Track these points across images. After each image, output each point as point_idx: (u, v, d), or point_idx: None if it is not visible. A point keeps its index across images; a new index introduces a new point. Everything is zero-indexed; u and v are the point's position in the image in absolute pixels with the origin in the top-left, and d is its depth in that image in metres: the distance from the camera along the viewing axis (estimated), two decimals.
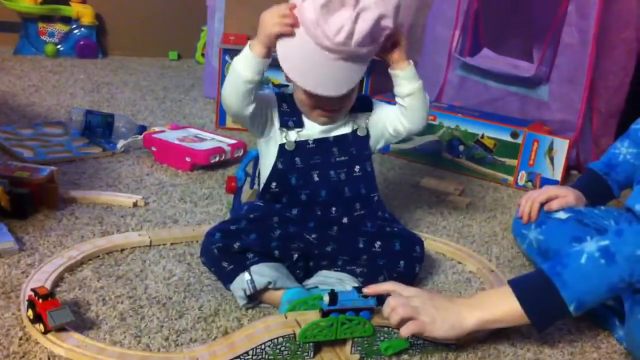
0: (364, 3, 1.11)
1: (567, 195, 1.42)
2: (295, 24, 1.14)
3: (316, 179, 1.26)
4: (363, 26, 1.11)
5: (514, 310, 1.06)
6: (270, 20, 1.14)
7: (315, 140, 1.26)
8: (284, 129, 1.26)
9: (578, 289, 1.03)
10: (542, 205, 1.43)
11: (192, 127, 2.13)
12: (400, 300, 1.05)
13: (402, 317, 1.04)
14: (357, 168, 1.28)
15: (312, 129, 1.27)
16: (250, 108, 1.21)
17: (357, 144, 1.29)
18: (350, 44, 1.12)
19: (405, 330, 1.03)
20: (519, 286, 1.08)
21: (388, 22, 1.14)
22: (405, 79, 1.25)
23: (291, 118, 1.27)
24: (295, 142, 1.25)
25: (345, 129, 1.29)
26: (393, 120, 1.30)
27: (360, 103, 1.31)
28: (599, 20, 2.01)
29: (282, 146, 1.25)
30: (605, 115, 2.17)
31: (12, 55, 3.08)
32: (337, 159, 1.27)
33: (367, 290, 1.07)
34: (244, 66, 1.18)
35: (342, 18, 1.10)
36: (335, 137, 1.28)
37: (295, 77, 1.18)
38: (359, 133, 1.29)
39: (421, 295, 1.08)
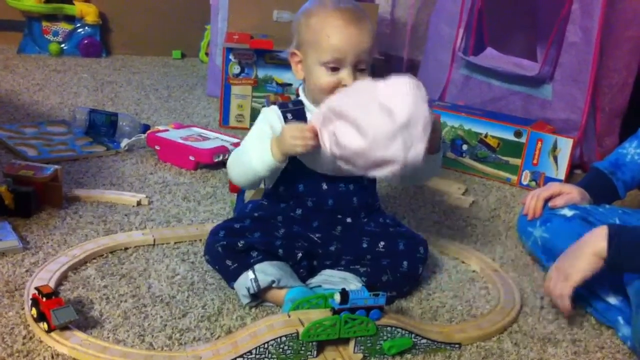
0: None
1: (572, 192, 1.42)
2: (316, 146, 1.12)
3: (325, 187, 1.25)
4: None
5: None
6: (293, 141, 1.13)
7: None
8: None
9: None
10: (546, 201, 1.43)
11: (195, 126, 2.13)
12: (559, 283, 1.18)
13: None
14: (366, 179, 1.28)
15: None
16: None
17: None
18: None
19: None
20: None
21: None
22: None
23: None
24: None
25: None
26: None
27: None
28: (603, 19, 2.00)
29: None
30: (609, 114, 2.16)
31: (16, 54, 3.08)
32: None
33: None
34: (261, 164, 1.18)
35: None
36: None
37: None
38: None
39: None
